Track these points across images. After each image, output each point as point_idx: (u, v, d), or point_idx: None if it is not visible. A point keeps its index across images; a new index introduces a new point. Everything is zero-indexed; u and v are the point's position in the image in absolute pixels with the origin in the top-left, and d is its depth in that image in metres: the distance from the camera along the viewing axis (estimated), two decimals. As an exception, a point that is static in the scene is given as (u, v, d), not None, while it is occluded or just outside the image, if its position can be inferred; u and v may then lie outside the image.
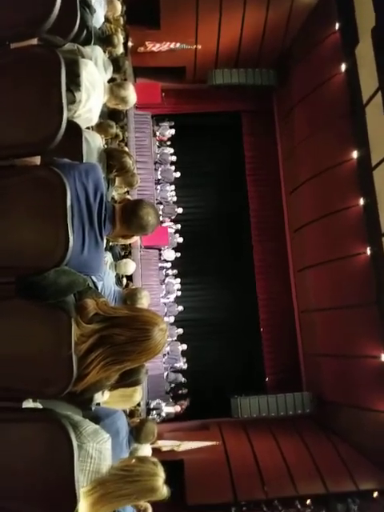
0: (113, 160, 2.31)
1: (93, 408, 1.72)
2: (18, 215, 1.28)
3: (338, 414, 8.84)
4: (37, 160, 1.38)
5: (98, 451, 1.33)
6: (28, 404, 1.37)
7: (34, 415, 1.32)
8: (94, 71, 2.10)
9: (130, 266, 4.71)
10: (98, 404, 2.03)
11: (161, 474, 1.39)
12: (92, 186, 1.50)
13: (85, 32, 2.39)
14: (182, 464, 7.86)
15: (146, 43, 9.91)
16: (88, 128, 2.31)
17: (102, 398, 1.98)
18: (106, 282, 2.15)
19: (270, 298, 10.76)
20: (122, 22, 4.72)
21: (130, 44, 9.20)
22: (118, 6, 4.28)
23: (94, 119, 2.22)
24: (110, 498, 1.31)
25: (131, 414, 3.53)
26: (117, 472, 1.34)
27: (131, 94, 2.63)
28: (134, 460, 1.44)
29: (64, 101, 1.29)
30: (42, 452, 1.26)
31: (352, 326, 8.29)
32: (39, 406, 1.41)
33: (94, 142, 2.15)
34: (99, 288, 1.79)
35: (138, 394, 2.44)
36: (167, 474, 1.43)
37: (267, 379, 10.52)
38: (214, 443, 8.62)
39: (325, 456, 8.17)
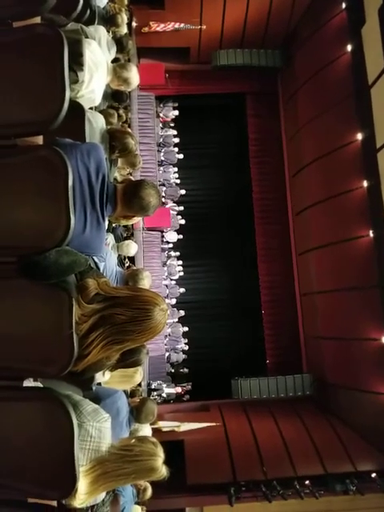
0: (115, 141, 2.29)
1: (94, 388, 1.75)
2: (20, 195, 1.28)
3: (338, 396, 8.95)
4: (39, 140, 1.37)
5: (97, 430, 1.35)
6: (29, 383, 1.39)
7: (34, 394, 1.35)
8: (98, 51, 2.08)
9: (132, 248, 4.72)
10: (99, 384, 2.06)
11: (160, 454, 1.41)
12: (94, 166, 1.49)
13: (88, 12, 2.35)
14: (182, 444, 8.01)
15: (150, 23, 9.72)
16: (91, 108, 2.29)
17: (103, 378, 2.01)
18: (108, 262, 2.16)
19: (272, 280, 10.80)
20: (126, 1, 4.63)
21: (133, 24, 9.02)
22: (122, -15, 4.19)
23: (97, 100, 2.21)
24: (109, 476, 1.33)
25: (132, 395, 3.58)
26: (116, 451, 1.37)
27: (134, 75, 2.60)
28: (133, 440, 1.46)
29: (67, 80, 1.28)
30: (42, 430, 1.28)
31: (353, 308, 8.32)
32: (40, 385, 1.43)
33: (97, 123, 2.14)
34: (101, 269, 1.80)
35: (139, 375, 2.47)
36: (167, 454, 1.45)
37: (268, 361, 10.63)
38: (214, 424, 8.76)
39: (324, 437, 8.30)
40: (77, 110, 1.96)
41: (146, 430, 2.73)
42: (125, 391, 2.51)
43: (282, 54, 10.66)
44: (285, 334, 10.46)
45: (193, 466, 7.61)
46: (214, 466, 7.71)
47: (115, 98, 3.34)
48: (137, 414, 2.43)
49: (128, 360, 1.64)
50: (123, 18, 3.48)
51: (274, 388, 9.59)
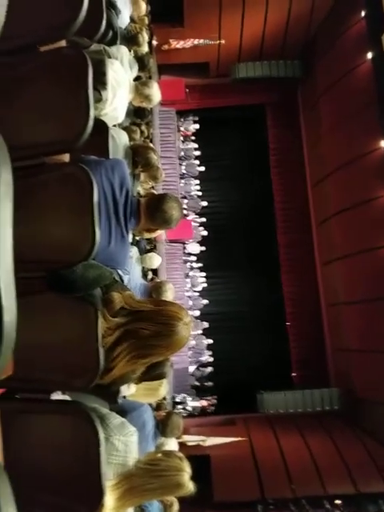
0: (138, 156, 2.34)
1: (119, 401, 1.75)
2: (48, 211, 1.32)
3: (369, 411, 8.67)
4: (66, 157, 1.41)
5: (124, 444, 1.34)
6: (57, 396, 1.41)
7: (62, 407, 1.35)
8: (120, 71, 2.14)
9: (155, 260, 4.77)
10: (125, 397, 2.07)
11: (187, 470, 1.39)
12: (118, 181, 1.53)
13: (111, 33, 2.42)
14: (208, 459, 7.91)
15: (170, 41, 9.93)
16: (114, 125, 2.34)
17: (129, 391, 2.01)
18: (132, 275, 2.18)
19: (296, 291, 10.65)
20: (146, 21, 4.74)
21: (154, 42, 9.23)
22: (143, 6, 4.31)
23: (120, 117, 2.26)
24: (136, 492, 1.32)
25: (157, 408, 3.57)
26: (143, 466, 1.35)
27: (156, 91, 2.65)
28: (160, 454, 1.45)
29: (91, 100, 1.32)
30: (69, 444, 1.28)
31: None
32: (68, 398, 1.45)
33: (120, 139, 2.19)
34: (125, 281, 1.82)
35: (164, 388, 2.46)
36: (193, 468, 1.43)
37: (294, 374, 10.43)
38: (240, 439, 8.62)
39: (354, 455, 8.02)
40: (101, 127, 2.01)
41: (171, 444, 2.71)
42: (150, 404, 2.51)
43: (301, 64, 10.68)
44: (310, 346, 10.26)
45: (219, 482, 7.48)
46: (241, 483, 7.56)
47: (137, 115, 3.41)
48: (162, 427, 2.42)
49: (153, 373, 1.64)
50: (144, 37, 3.57)
51: (300, 402, 9.38)
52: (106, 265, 1.38)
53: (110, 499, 1.30)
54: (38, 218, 1.34)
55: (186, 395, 9.52)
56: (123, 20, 3.07)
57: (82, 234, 1.31)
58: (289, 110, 11.20)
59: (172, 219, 1.68)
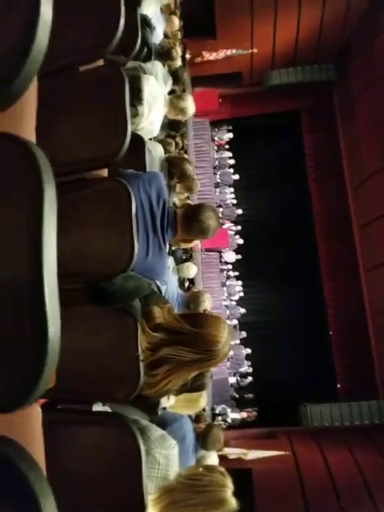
0: (174, 168, 2.36)
1: (159, 413, 1.75)
2: (89, 224, 1.36)
3: None
4: (104, 172, 1.45)
5: (165, 457, 1.33)
6: (98, 407, 1.43)
7: (102, 418, 1.36)
8: (155, 86, 2.18)
9: (191, 270, 4.78)
10: (164, 409, 2.06)
11: (229, 485, 1.37)
12: (155, 194, 1.55)
13: (145, 49, 2.49)
14: (249, 473, 7.73)
15: (203, 53, 10.06)
16: (150, 139, 2.39)
17: (168, 402, 2.01)
18: (170, 285, 2.19)
19: (339, 299, 10.32)
20: (179, 36, 4.84)
21: (187, 56, 9.38)
22: (176, 22, 4.40)
23: (156, 131, 2.30)
24: (177, 507, 1.30)
25: (197, 419, 3.55)
26: (184, 480, 1.33)
27: (190, 104, 2.69)
28: (201, 469, 1.42)
29: (128, 116, 1.35)
30: (109, 456, 1.28)
31: None
32: (108, 409, 1.46)
33: (156, 152, 2.22)
34: (163, 292, 1.83)
35: (204, 399, 2.44)
36: (234, 483, 1.40)
37: (339, 386, 10.07)
38: (283, 453, 8.38)
39: (408, 473, 7.60)
40: (137, 141, 2.06)
41: (212, 458, 2.67)
42: (189, 416, 2.49)
43: (335, 67, 10.50)
44: (356, 356, 9.88)
45: (262, 497, 7.28)
46: (285, 499, 7.31)
47: (172, 127, 3.46)
48: (203, 440, 2.39)
49: (192, 384, 1.64)
50: (177, 51, 3.63)
51: (346, 415, 9.00)
52: (145, 276, 1.39)
53: None
54: (78, 232, 1.38)
55: (225, 406, 9.41)
56: (157, 36, 3.15)
57: (120, 246, 1.34)
58: (324, 114, 11.01)
59: (209, 229, 1.68)
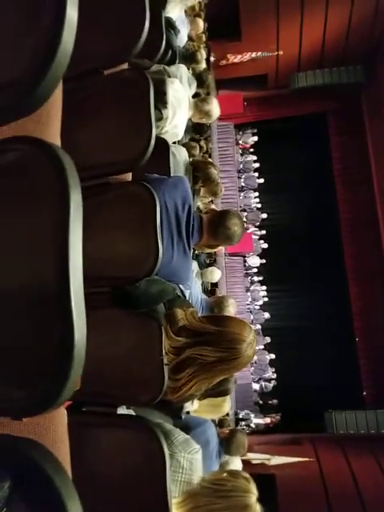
0: (198, 171, 2.36)
1: (183, 417, 1.74)
2: (113, 228, 1.36)
3: None
4: (129, 176, 1.46)
5: (189, 461, 1.33)
6: (122, 410, 1.43)
7: (127, 422, 1.36)
8: (180, 89, 2.18)
9: (215, 274, 4.75)
10: (188, 413, 2.05)
11: (254, 491, 1.35)
12: (180, 198, 1.55)
13: (170, 52, 2.50)
14: (273, 479, 7.62)
15: (228, 56, 10.04)
16: (174, 143, 2.39)
17: (192, 406, 2.00)
18: (193, 290, 2.19)
19: (365, 304, 10.07)
20: (204, 38, 4.85)
21: (212, 59, 9.39)
22: (201, 24, 4.41)
23: (180, 134, 2.30)
24: (201, 511, 1.30)
25: (220, 424, 3.52)
26: (208, 485, 1.32)
27: (215, 107, 2.68)
28: (225, 474, 1.41)
29: (153, 119, 1.35)
30: (133, 460, 1.28)
31: None
32: (132, 413, 1.46)
33: (180, 156, 2.22)
34: (187, 296, 1.83)
35: (227, 404, 2.43)
36: (257, 488, 1.38)
37: (365, 393, 9.82)
38: (307, 459, 8.23)
39: None
40: (162, 145, 2.06)
41: (236, 463, 2.65)
42: (213, 420, 2.47)
43: (364, 69, 10.30)
44: (382, 363, 9.62)
45: (286, 504, 7.16)
46: (309, 506, 7.19)
47: (196, 131, 3.46)
48: (226, 445, 2.37)
49: (217, 389, 1.62)
50: (202, 54, 3.63)
51: (373, 422, 8.78)
52: (169, 280, 1.39)
53: None
54: (102, 236, 1.38)
55: (249, 411, 9.31)
56: (182, 39, 3.15)
57: (145, 250, 1.34)
58: (352, 116, 10.80)
59: (234, 235, 1.68)
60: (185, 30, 3.29)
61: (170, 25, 2.57)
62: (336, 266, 10.43)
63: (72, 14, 0.51)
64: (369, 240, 10.20)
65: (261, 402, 9.85)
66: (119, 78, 1.42)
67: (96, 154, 1.36)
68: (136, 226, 1.35)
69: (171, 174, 2.07)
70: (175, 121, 2.21)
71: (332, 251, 10.52)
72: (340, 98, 10.73)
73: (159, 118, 2.11)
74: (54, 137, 0.75)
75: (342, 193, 10.70)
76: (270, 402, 9.84)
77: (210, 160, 3.13)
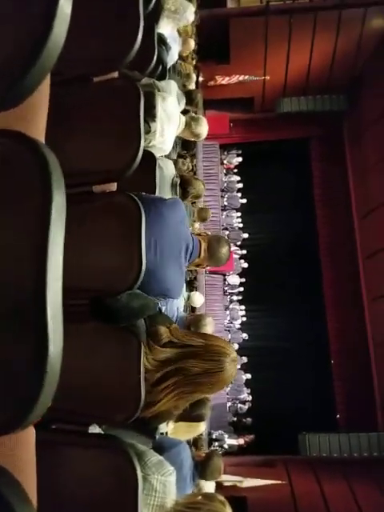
0: (188, 186, 2.35)
1: (157, 437, 1.68)
2: (95, 238, 1.32)
3: None
4: (113, 186, 1.42)
5: (162, 484, 1.27)
6: (94, 429, 1.36)
7: (98, 441, 1.29)
8: (173, 105, 2.18)
9: (198, 300, 4.81)
10: (162, 434, 1.98)
11: None
12: (180, 218, 1.60)
13: (160, 68, 2.50)
14: (244, 501, 7.49)
15: (216, 77, 10.24)
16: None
17: (167, 427, 1.94)
18: (169, 306, 2.15)
19: (342, 327, 10.17)
20: (194, 58, 4.92)
21: (200, 79, 9.55)
22: (192, 44, 4.48)
23: (168, 149, 2.29)
24: None
25: (195, 444, 3.44)
26: (182, 509, 1.27)
27: (205, 130, 2.70)
28: (200, 497, 1.37)
29: (142, 131, 1.33)
30: (105, 481, 1.22)
31: None
32: (102, 432, 1.39)
33: (167, 169, 2.21)
34: (163, 310, 1.80)
35: (203, 425, 2.37)
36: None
37: (338, 416, 9.83)
38: (279, 482, 8.13)
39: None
40: (148, 157, 2.04)
41: (209, 485, 2.57)
42: (187, 441, 2.40)
43: (347, 97, 10.65)
44: (357, 387, 9.68)
45: (257, 528, 7.04)
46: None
47: (184, 147, 3.46)
48: (202, 469, 2.30)
49: (193, 413, 1.59)
50: (191, 73, 3.68)
51: (345, 446, 8.77)
52: (162, 294, 1.42)
53: None
54: (84, 245, 1.34)
55: (223, 432, 9.18)
56: (172, 56, 3.18)
57: (128, 263, 1.29)
58: (334, 143, 11.11)
59: (224, 260, 1.88)
60: (176, 47, 3.32)
61: (162, 40, 2.59)
62: (315, 288, 10.54)
63: (65, 4, 0.48)
64: (347, 264, 10.38)
65: (235, 421, 9.74)
66: (109, 87, 1.40)
67: (81, 162, 1.32)
68: (120, 237, 1.31)
69: (157, 187, 2.05)
70: (164, 136, 2.20)
71: (311, 273, 10.65)
72: (323, 124, 11.04)
73: (147, 132, 2.09)
74: (39, 136, 0.72)
75: (322, 216, 10.92)
76: (244, 420, 9.74)
77: (196, 177, 3.14)
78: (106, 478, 1.24)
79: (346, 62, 9.70)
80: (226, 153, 11.21)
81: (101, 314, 1.26)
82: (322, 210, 10.96)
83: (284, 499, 7.71)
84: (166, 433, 2.03)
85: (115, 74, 1.44)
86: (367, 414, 9.37)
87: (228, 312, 10.28)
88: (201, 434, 3.38)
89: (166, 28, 2.75)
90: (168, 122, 2.22)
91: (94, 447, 1.28)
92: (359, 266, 10.15)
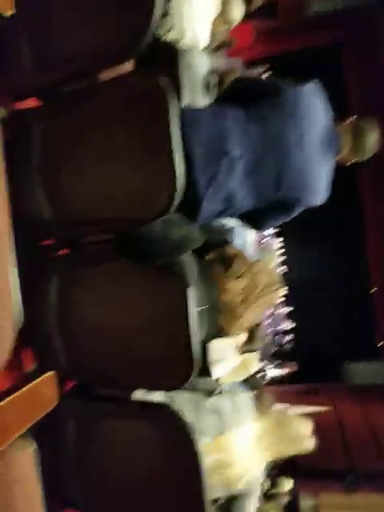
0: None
1: (218, 391, 1.44)
2: (110, 149, 0.94)
3: None
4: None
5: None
6: (139, 395, 1.10)
7: (150, 413, 1.05)
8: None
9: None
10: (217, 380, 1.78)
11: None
12: (323, 106, 1.28)
13: None
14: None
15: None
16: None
17: (223, 370, 1.73)
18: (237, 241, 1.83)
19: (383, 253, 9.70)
20: None
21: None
22: None
23: (202, 42, 1.82)
24: None
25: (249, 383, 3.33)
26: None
27: (239, 12, 2.16)
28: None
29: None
30: (161, 458, 0.99)
31: None
32: (153, 398, 1.14)
33: (200, 67, 1.77)
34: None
35: (255, 363, 2.20)
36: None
37: (381, 344, 9.70)
38: (324, 408, 8.23)
39: None
40: (165, 51, 1.56)
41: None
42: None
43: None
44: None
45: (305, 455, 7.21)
46: (326, 452, 7.20)
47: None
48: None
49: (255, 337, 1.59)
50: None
51: (388, 373, 8.72)
52: (296, 187, 1.18)
53: None
54: (102, 164, 0.97)
55: (266, 362, 9.27)
56: None
57: (156, 180, 0.92)
58: (370, 45, 9.89)
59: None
60: None
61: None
62: (354, 213, 9.99)
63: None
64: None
65: (277, 352, 9.82)
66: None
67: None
68: (144, 143, 0.92)
69: (185, 91, 1.61)
70: (192, 26, 1.73)
71: (350, 196, 10.02)
72: (357, 24, 9.77)
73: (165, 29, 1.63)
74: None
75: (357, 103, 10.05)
76: (286, 350, 9.81)
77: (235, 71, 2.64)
78: (162, 454, 1.00)
79: None
80: (250, 69, 10.26)
81: (129, 250, 0.91)
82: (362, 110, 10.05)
83: (330, 424, 7.82)
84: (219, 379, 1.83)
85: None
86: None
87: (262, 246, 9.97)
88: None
89: None
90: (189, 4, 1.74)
91: (144, 419, 1.03)
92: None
